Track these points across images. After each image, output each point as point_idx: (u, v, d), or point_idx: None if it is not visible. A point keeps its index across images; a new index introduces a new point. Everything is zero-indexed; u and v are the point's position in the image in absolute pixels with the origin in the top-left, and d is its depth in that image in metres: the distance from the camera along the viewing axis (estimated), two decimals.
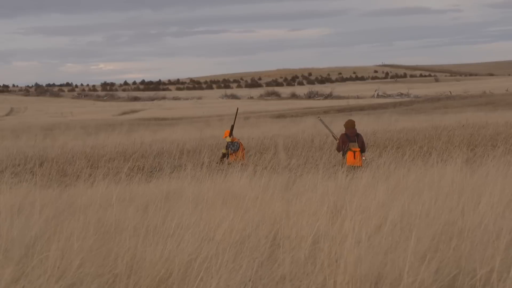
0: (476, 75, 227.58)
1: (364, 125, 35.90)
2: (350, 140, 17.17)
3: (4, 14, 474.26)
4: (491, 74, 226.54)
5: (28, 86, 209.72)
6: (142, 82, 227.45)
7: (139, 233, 7.96)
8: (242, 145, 19.08)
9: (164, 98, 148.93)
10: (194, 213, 9.34)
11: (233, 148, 18.89)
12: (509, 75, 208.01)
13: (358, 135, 17.30)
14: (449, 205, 9.09)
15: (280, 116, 65.80)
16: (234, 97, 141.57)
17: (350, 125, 17.38)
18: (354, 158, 17.02)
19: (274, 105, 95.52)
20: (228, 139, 19.04)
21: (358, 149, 17.07)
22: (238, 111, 20.80)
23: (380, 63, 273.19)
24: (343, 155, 17.28)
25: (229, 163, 18.49)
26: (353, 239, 7.13)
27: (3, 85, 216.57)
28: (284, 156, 19.20)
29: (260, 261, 7.27)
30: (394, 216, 8.39)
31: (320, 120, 19.55)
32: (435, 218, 8.36)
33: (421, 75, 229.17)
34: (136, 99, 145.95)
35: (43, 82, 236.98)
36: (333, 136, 18.02)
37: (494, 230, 7.69)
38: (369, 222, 8.16)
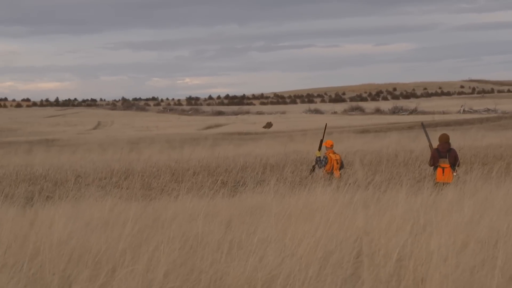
0: None
1: (450, 140, 35.30)
2: (441, 155, 16.96)
3: (93, 29, 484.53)
4: None
5: (115, 100, 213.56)
6: (227, 96, 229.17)
7: (222, 247, 7.99)
8: (332, 159, 18.88)
9: (248, 112, 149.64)
10: (277, 228, 9.33)
11: (320, 163, 18.85)
12: None
13: (450, 150, 17.05)
14: None
15: (364, 131, 65.39)
16: (317, 111, 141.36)
17: (443, 139, 17.16)
18: (443, 174, 16.81)
19: (357, 120, 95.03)
20: (318, 154, 19.00)
21: (448, 166, 16.84)
22: (321, 125, 20.76)
23: (467, 78, 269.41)
24: (434, 170, 17.11)
25: (323, 178, 18.40)
26: (439, 256, 7.02)
27: (91, 99, 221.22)
28: (362, 174, 19.02)
29: (344, 278, 7.21)
30: (481, 233, 8.23)
31: (423, 126, 19.22)
32: None
33: (509, 91, 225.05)
34: (220, 113, 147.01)
35: (130, 96, 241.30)
36: (429, 145, 17.76)
37: None
38: (455, 239, 8.02)
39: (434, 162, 16.99)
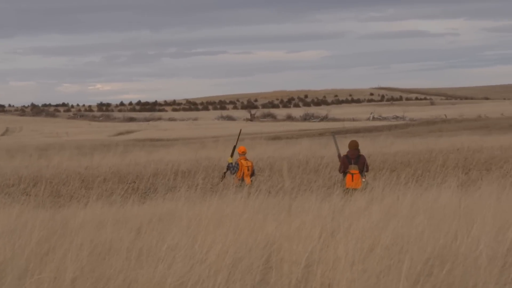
0: (471, 98, 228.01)
1: (359, 147, 35.80)
2: (350, 162, 17.20)
3: (2, 34, 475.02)
4: (487, 98, 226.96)
5: (24, 106, 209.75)
6: (138, 103, 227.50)
7: (131, 254, 7.94)
8: (242, 165, 18.88)
9: (160, 119, 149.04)
10: (187, 234, 9.31)
11: (232, 170, 18.82)
12: (505, 99, 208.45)
13: (359, 156, 17.31)
14: (443, 229, 9.07)
15: (276, 138, 65.77)
16: (230, 118, 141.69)
17: (352, 146, 17.42)
18: (352, 180, 17.05)
19: (269, 127, 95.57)
20: (230, 160, 18.97)
21: (356, 172, 17.10)
22: (235, 132, 20.81)
23: (376, 86, 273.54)
24: (343, 177, 17.33)
25: (234, 184, 18.39)
26: (346, 262, 7.11)
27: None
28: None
29: (253, 284, 7.24)
30: (387, 239, 8.37)
31: (333, 136, 19.44)
32: (429, 242, 8.34)
33: (416, 98, 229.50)
34: (131, 119, 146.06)
35: (39, 102, 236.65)
36: (338, 155, 18.00)
37: (488, 255, 7.68)
38: (362, 245, 8.14)
39: (344, 168, 17.22)
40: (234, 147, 19.25)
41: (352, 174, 17.13)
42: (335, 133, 20.16)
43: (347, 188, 16.86)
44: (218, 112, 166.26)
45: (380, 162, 28.52)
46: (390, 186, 14.27)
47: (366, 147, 37.60)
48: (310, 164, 28.56)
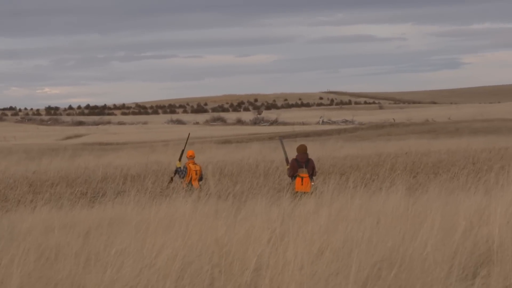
0: (419, 102, 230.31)
1: (309, 151, 35.98)
2: (300, 165, 17.27)
3: None
4: (434, 102, 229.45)
5: None
6: (87, 106, 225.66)
7: (79, 259, 7.87)
8: (191, 169, 18.86)
9: (109, 122, 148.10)
10: (135, 239, 9.27)
11: (181, 173, 18.78)
12: (451, 103, 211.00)
13: (308, 160, 17.39)
14: (391, 232, 9.15)
15: (226, 141, 65.81)
16: (179, 122, 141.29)
17: (301, 150, 17.49)
18: (302, 184, 17.13)
19: (219, 131, 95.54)
20: (178, 164, 18.92)
21: (306, 175, 17.18)
22: (185, 136, 20.79)
23: (325, 90, 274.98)
24: (292, 180, 17.38)
25: (183, 188, 18.34)
26: (295, 266, 7.14)
27: None
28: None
29: None
30: (336, 242, 8.41)
31: (280, 141, 19.49)
32: (377, 245, 8.41)
33: (365, 102, 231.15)
34: (80, 123, 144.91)
35: None
36: (286, 159, 18.06)
37: (435, 258, 7.76)
38: (311, 248, 8.17)
39: (293, 172, 17.29)
40: (183, 151, 19.22)
41: (302, 178, 17.20)
42: (283, 137, 20.23)
43: (296, 192, 16.93)
44: (168, 116, 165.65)
45: (330, 165, 28.68)
46: (339, 190, 14.36)
47: (316, 151, 37.79)
48: (260, 168, 28.61)
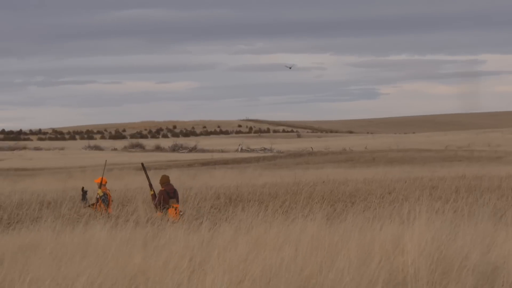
0: (336, 132, 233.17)
1: (228, 179, 36.09)
2: (170, 196, 17.51)
3: None
4: (351, 132, 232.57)
5: None
6: (2, 131, 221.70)
7: None
8: (110, 196, 18.87)
9: (25, 148, 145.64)
10: (51, 266, 9.12)
11: (105, 201, 18.73)
12: (368, 133, 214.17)
13: (175, 190, 17.70)
14: (309, 261, 9.21)
15: None
16: (97, 148, 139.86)
17: (166, 180, 17.72)
18: (176, 213, 17.41)
19: (138, 157, 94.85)
20: (100, 192, 18.84)
21: (178, 205, 17.55)
22: (101, 162, 20.65)
23: (244, 118, 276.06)
24: (160, 211, 17.42)
25: (103, 215, 18.21)
26: None
27: None
28: (143, 212, 19.09)
29: None
30: (255, 271, 8.42)
31: (143, 167, 19.56)
32: (295, 274, 8.45)
33: (284, 131, 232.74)
34: None
35: None
36: (150, 187, 18.15)
37: (351, 286, 7.84)
38: (230, 276, 8.16)
39: (164, 204, 17.46)
40: (102, 179, 19.09)
41: (175, 208, 17.50)
42: (146, 166, 20.13)
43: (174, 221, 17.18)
44: (86, 142, 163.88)
45: (249, 193, 28.73)
46: (258, 218, 14.39)
47: (234, 179, 37.85)
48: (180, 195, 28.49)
